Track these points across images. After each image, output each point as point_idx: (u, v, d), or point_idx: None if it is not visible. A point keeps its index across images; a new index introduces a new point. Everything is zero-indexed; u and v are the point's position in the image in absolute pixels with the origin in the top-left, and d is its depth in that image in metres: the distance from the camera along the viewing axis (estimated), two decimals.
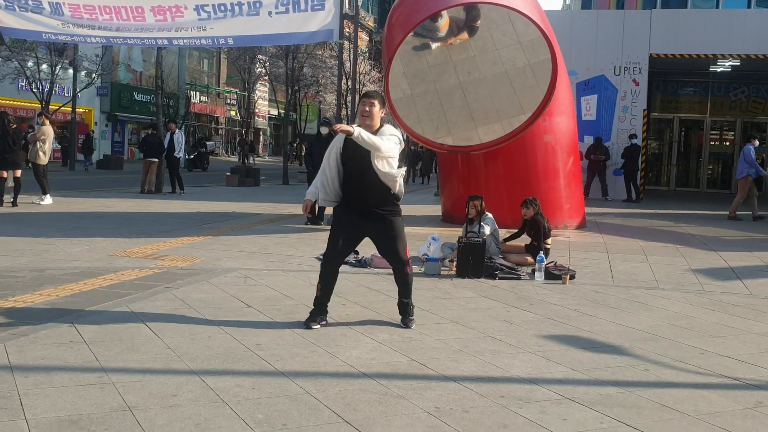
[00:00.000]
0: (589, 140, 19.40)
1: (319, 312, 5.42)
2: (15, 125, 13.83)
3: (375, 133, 5.25)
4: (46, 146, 14.37)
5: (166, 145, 18.34)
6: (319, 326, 5.33)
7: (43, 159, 14.27)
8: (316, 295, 5.47)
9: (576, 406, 3.87)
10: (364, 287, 6.84)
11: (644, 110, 20.08)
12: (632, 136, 19.54)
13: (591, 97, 20.08)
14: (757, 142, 15.85)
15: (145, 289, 6.38)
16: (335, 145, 5.40)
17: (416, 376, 4.31)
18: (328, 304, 5.49)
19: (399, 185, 5.40)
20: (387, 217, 5.39)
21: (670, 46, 19.57)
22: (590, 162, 19.20)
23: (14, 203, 13.44)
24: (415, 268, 7.74)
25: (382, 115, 5.43)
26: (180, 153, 18.84)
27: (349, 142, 5.22)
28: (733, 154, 25.98)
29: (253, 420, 3.49)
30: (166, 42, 12.67)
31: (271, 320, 5.49)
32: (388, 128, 5.37)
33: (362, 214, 5.38)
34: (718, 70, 22.78)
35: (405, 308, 5.53)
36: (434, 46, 11.53)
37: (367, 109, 5.31)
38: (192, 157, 34.76)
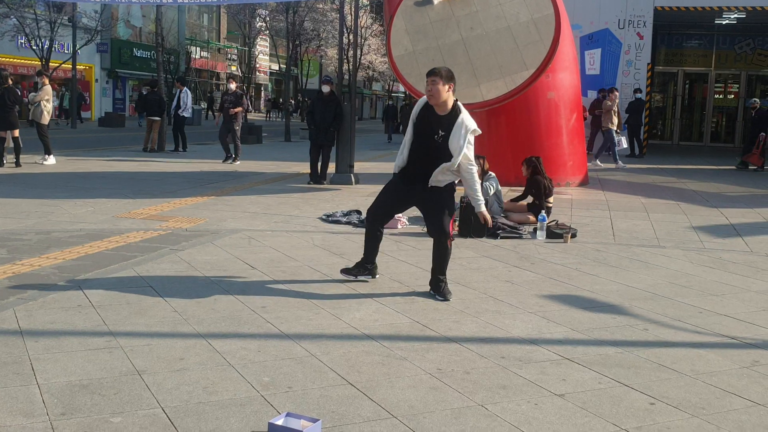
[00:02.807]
0: (592, 95, 19.25)
1: (357, 269, 5.65)
2: (10, 83, 13.69)
3: (447, 114, 5.24)
4: (49, 106, 14.35)
5: (174, 104, 18.42)
6: (353, 277, 5.61)
7: (46, 118, 14.26)
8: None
9: (575, 367, 3.94)
10: None
11: (648, 64, 19.90)
12: (636, 91, 19.38)
13: (595, 51, 19.88)
14: None
15: (150, 252, 6.45)
16: (413, 114, 5.41)
17: (418, 337, 4.38)
18: (375, 263, 5.69)
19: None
20: (441, 189, 5.34)
21: None
22: (594, 117, 19.06)
23: (17, 163, 13.46)
24: (419, 228, 7.81)
25: (449, 90, 5.21)
26: (186, 112, 18.81)
27: (423, 117, 5.30)
28: (737, 108, 25.84)
29: (259, 383, 3.57)
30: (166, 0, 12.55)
31: (275, 282, 5.56)
32: (464, 116, 5.24)
33: (419, 183, 5.34)
34: (724, 22, 22.52)
35: (437, 284, 5.31)
36: (437, 1, 11.41)
37: (429, 88, 5.19)
38: None
